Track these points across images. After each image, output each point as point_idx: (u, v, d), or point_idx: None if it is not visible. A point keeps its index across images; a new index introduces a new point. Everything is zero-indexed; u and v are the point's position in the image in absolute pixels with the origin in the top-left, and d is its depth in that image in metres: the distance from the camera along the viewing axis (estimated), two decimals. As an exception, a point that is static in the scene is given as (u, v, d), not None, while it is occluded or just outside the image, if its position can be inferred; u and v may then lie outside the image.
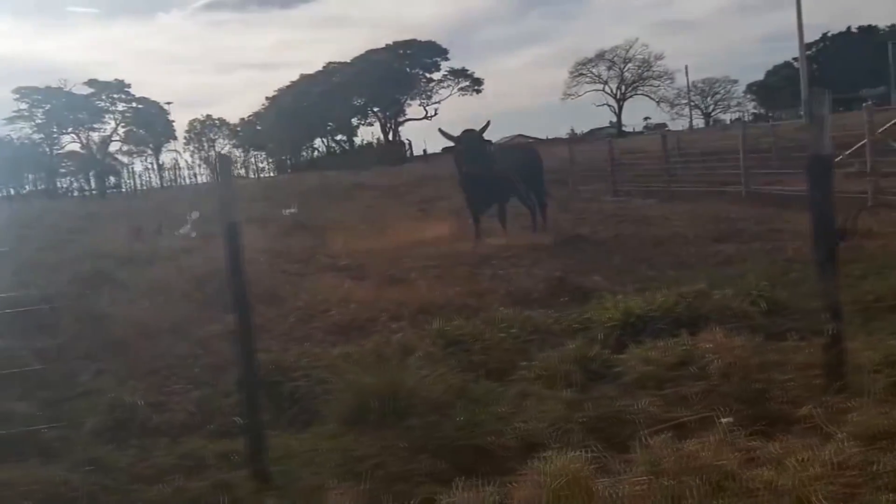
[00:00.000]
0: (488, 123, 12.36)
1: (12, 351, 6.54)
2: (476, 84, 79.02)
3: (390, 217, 16.73)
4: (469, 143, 12.22)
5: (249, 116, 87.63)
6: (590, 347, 5.45)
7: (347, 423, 4.81)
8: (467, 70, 78.94)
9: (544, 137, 76.42)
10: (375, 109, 79.41)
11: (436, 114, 78.66)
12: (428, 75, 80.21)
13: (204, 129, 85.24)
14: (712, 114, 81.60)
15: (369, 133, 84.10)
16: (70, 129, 72.40)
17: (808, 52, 75.86)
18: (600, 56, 78.47)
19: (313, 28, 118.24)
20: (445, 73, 78.77)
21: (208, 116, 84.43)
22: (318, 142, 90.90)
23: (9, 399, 5.81)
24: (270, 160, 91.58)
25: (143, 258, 11.53)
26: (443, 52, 79.92)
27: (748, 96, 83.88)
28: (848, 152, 13.46)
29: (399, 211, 20.39)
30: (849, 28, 73.98)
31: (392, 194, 27.02)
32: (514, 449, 4.19)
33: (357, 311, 7.31)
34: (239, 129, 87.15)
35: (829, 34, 76.13)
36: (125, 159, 79.47)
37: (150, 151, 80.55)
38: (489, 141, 12.58)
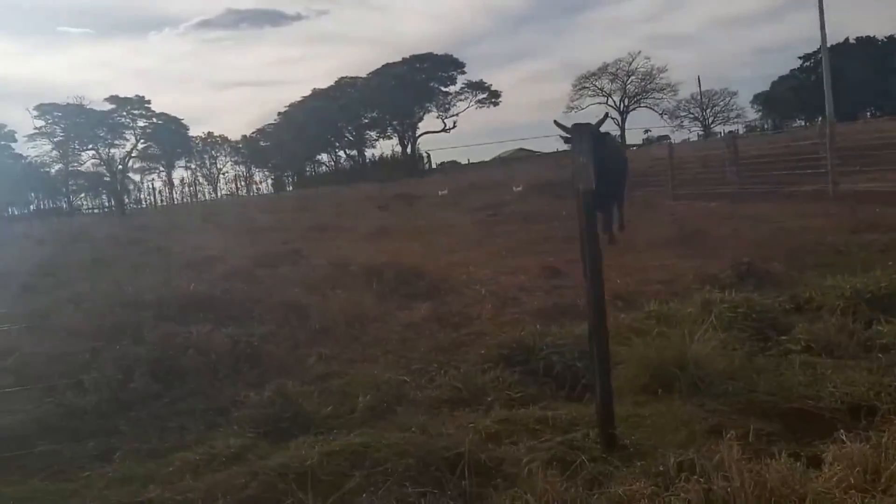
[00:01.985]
0: (606, 115, 12.43)
1: (236, 336, 6.64)
2: (493, 97, 79.47)
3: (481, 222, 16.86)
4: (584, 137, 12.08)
5: (253, 133, 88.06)
6: (842, 321, 5.55)
7: (641, 392, 4.92)
8: (485, 83, 79.35)
9: (544, 151, 77.73)
10: (394, 123, 79.70)
11: (454, 126, 78.97)
12: (444, 88, 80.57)
13: (205, 147, 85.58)
14: (711, 125, 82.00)
15: (387, 146, 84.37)
16: (90, 146, 72.65)
17: (807, 64, 77.34)
18: (603, 69, 79.17)
19: (306, 45, 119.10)
20: (463, 85, 79.13)
21: (209, 134, 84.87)
22: (326, 156, 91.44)
23: (251, 384, 5.96)
24: (275, 176, 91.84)
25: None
26: (459, 66, 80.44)
27: (755, 107, 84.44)
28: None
29: (467, 216, 20.56)
30: (846, 39, 74.33)
31: (447, 203, 27.18)
32: (841, 412, 4.30)
33: (556, 295, 7.43)
34: (241, 145, 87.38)
35: (828, 45, 76.48)
36: (135, 176, 79.95)
37: (161, 168, 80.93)
38: (607, 134, 12.42)
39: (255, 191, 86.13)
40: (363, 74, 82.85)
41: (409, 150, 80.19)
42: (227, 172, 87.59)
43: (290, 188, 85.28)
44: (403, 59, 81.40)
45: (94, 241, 23.56)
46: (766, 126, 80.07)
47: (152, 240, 21.49)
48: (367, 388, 5.50)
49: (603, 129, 12.22)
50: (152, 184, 79.27)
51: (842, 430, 3.74)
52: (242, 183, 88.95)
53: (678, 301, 6.56)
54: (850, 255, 8.68)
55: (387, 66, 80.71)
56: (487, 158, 76.19)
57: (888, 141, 19.46)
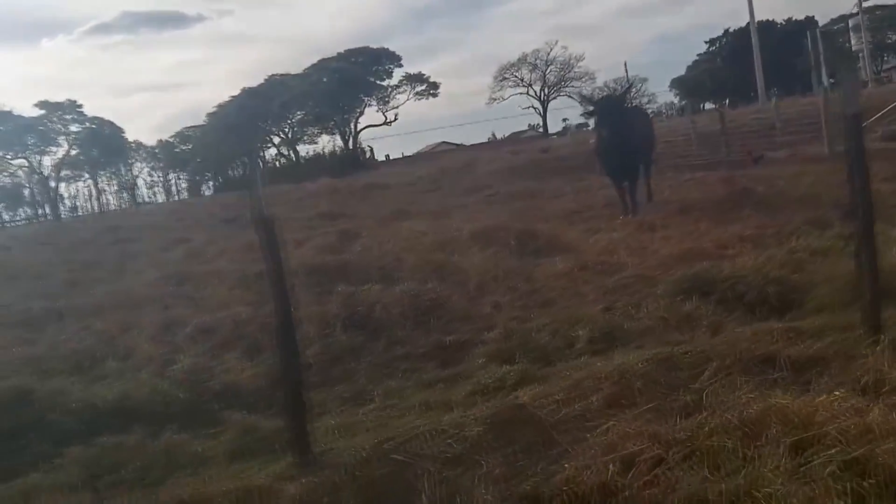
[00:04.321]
0: (630, 86, 12.92)
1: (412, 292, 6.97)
2: (433, 88, 79.78)
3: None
4: (608, 109, 12.13)
5: (171, 137, 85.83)
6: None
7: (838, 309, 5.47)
8: (424, 74, 79.60)
9: (467, 144, 79.07)
10: (334, 118, 79.16)
11: (395, 119, 78.99)
12: (381, 82, 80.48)
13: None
14: None
15: (327, 142, 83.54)
16: (19, 154, 69.66)
17: (712, 49, 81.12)
18: (522, 60, 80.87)
19: (211, 47, 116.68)
20: (401, 78, 79.19)
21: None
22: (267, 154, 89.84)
23: (442, 331, 6.33)
24: (195, 179, 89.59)
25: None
26: (396, 59, 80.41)
27: (673, 91, 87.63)
28: None
29: (467, 198, 21.02)
30: (748, 24, 77.90)
31: (428, 189, 27.48)
32: None
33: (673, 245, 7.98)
34: (157, 150, 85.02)
35: (731, 30, 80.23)
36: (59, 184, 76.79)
37: (86, 174, 78.19)
38: (631, 104, 12.76)
39: (177, 195, 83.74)
40: (292, 71, 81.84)
41: (350, 144, 79.75)
42: (141, 178, 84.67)
43: (211, 192, 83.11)
44: (339, 53, 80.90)
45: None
46: (685, 109, 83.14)
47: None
48: (574, 325, 5.94)
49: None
50: (85, 191, 76.45)
51: None
52: (160, 188, 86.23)
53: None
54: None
55: (322, 61, 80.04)
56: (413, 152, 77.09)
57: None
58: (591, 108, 12.55)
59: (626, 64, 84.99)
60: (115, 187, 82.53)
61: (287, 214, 22.51)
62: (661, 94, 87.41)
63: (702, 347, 4.57)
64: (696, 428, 3.47)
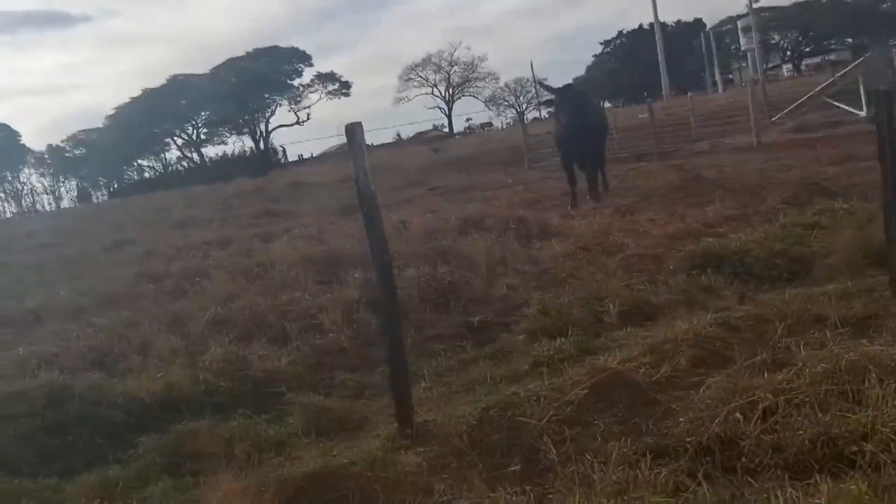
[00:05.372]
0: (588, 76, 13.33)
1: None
2: (345, 87, 79.23)
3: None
4: (567, 97, 12.55)
5: (62, 142, 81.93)
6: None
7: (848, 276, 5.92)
8: (335, 74, 78.97)
9: (370, 143, 78.96)
10: (244, 118, 77.46)
11: (308, 118, 78.02)
12: (292, 81, 79.38)
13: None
14: (525, 111, 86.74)
15: (237, 143, 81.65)
16: None
17: (608, 50, 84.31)
18: (427, 60, 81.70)
19: (97, 48, 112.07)
20: (313, 77, 78.30)
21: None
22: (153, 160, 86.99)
23: (463, 312, 6.47)
24: (88, 185, 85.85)
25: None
26: (307, 58, 79.47)
27: None
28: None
29: (418, 190, 21.12)
30: (640, 25, 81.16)
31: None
32: None
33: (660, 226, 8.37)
34: (46, 155, 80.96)
35: (625, 31, 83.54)
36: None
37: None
38: (587, 95, 13.13)
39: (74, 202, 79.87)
40: (198, 71, 79.68)
41: (262, 145, 78.25)
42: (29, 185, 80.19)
43: (104, 197, 79.74)
44: (247, 52, 79.39)
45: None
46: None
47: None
48: (601, 301, 6.17)
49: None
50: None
51: None
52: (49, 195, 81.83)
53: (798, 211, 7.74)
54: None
55: (230, 60, 78.28)
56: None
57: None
58: (553, 96, 12.88)
59: (532, 63, 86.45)
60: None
61: (221, 214, 22.09)
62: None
63: (756, 312, 4.86)
64: (793, 378, 3.73)
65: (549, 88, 13.31)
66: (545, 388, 4.13)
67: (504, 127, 77.06)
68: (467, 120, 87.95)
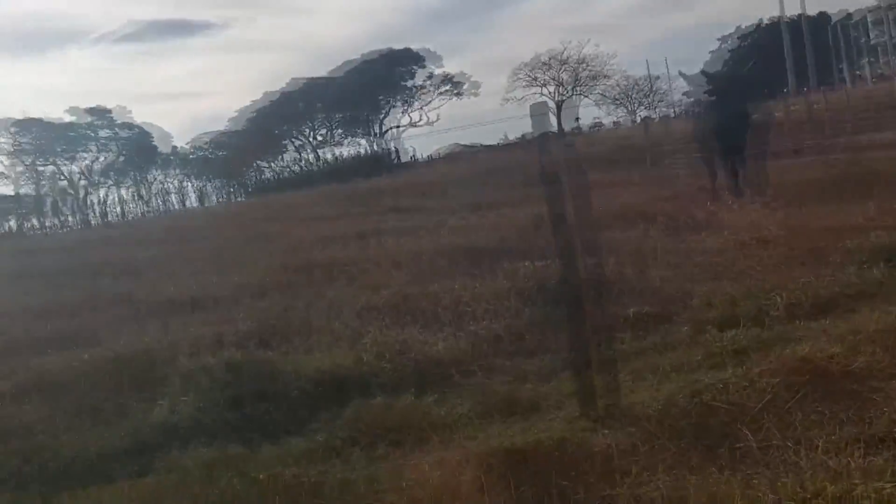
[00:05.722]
0: (753, 64, 12.68)
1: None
2: (457, 87, 79.75)
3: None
4: (726, 88, 12.20)
5: (188, 144, 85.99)
6: None
7: None
8: (449, 74, 79.64)
9: (480, 145, 79.23)
10: (360, 120, 79.44)
11: (422, 119, 79.05)
12: (406, 83, 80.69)
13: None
14: (638, 110, 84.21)
15: (352, 146, 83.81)
16: (51, 160, 70.34)
17: (725, 46, 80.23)
18: (537, 59, 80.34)
19: (217, 55, 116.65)
20: (426, 78, 79.31)
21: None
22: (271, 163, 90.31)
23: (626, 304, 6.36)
24: (214, 185, 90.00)
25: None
26: (420, 59, 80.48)
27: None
28: None
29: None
30: (761, 21, 77.13)
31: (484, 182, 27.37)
32: None
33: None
34: (172, 157, 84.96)
35: (743, 27, 79.47)
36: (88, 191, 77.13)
37: (111, 180, 78.72)
38: (738, 88, 12.60)
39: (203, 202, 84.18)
40: (316, 75, 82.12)
41: (377, 146, 79.96)
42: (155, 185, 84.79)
43: (224, 198, 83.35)
44: (363, 55, 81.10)
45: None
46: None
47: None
48: (767, 293, 5.95)
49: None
50: (113, 198, 76.86)
51: None
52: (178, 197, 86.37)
53: None
54: None
55: (347, 63, 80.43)
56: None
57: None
58: (713, 84, 12.39)
59: (647, 62, 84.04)
60: (132, 195, 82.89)
61: (348, 211, 22.73)
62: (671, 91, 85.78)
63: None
64: None
65: (708, 76, 12.60)
66: (731, 376, 4.02)
67: (615, 126, 75.69)
68: (577, 119, 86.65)
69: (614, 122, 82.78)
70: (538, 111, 3.57)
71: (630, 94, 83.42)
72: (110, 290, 10.69)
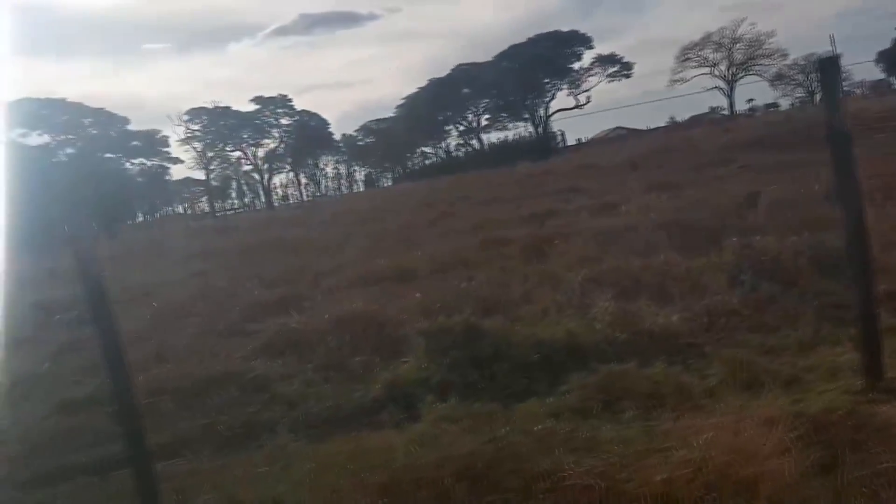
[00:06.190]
0: None
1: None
2: (625, 69, 77.83)
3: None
4: None
5: (356, 131, 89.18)
6: None
7: None
8: (616, 55, 77.82)
9: (644, 128, 76.34)
10: (525, 103, 79.32)
11: (588, 101, 77.79)
12: (571, 65, 79.56)
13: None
14: (816, 90, 77.59)
15: (517, 129, 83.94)
16: (237, 147, 75.78)
17: None
18: (707, 39, 75.87)
19: (380, 45, 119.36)
20: (593, 59, 77.85)
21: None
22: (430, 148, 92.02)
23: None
24: (376, 171, 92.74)
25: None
26: (587, 41, 79.15)
27: (880, 65, 79.30)
28: None
29: (718, 171, 20.15)
30: None
31: (658, 165, 26.61)
32: None
33: None
34: (341, 144, 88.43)
35: None
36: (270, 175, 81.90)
37: (288, 165, 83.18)
38: None
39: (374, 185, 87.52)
40: (479, 60, 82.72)
41: (541, 129, 79.62)
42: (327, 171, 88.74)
43: (389, 182, 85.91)
44: (528, 38, 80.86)
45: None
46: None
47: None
48: None
49: None
50: (290, 181, 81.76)
51: None
52: (345, 181, 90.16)
53: None
54: None
55: (512, 47, 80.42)
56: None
57: None
58: None
59: (832, 36, 77.80)
60: (309, 178, 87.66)
61: (522, 193, 22.80)
62: (856, 69, 78.88)
63: None
64: None
65: None
66: None
67: (791, 106, 71.06)
68: (749, 101, 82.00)
69: (791, 104, 78.03)
70: (827, 69, 3.17)
71: (809, 73, 77.96)
72: (321, 262, 11.33)
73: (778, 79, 79.64)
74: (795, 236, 7.02)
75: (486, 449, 3.72)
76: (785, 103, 79.09)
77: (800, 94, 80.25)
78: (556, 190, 20.47)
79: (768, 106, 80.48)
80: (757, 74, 78.40)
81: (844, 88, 68.88)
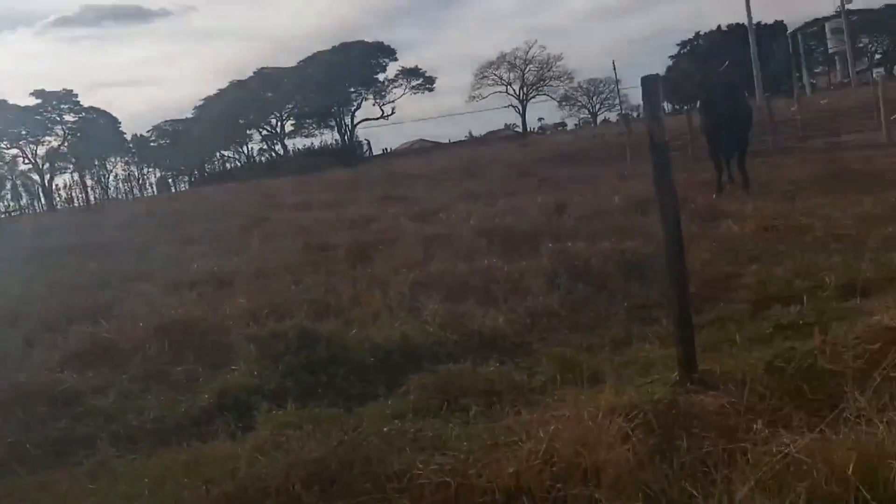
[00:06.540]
0: (727, 63, 13.07)
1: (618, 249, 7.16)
2: (429, 82, 79.97)
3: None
4: (722, 84, 12.80)
5: (148, 132, 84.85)
6: None
7: None
8: (420, 69, 79.75)
9: (447, 141, 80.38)
10: (331, 111, 79.00)
11: (392, 112, 79.02)
12: (376, 76, 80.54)
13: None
14: (598, 112, 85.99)
15: (321, 136, 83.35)
16: (13, 144, 68.68)
17: (684, 52, 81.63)
18: (502, 59, 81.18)
19: (175, 43, 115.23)
20: (398, 72, 79.27)
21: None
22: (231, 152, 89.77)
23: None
24: (168, 174, 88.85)
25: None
26: (391, 52, 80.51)
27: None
28: None
29: (522, 183, 21.22)
30: (719, 27, 78.82)
31: (465, 177, 27.53)
32: None
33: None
34: (132, 145, 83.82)
35: (702, 33, 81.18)
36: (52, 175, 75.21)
37: (72, 165, 77.12)
38: (733, 83, 13.11)
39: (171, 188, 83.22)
40: (285, 65, 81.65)
41: (346, 138, 79.69)
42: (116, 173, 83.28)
43: (184, 187, 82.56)
44: (333, 47, 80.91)
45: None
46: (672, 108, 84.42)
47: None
48: (814, 274, 6.19)
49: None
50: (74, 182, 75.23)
51: None
52: (136, 183, 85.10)
53: None
54: None
55: (317, 53, 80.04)
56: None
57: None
58: (700, 82, 12.98)
59: (614, 63, 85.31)
60: (95, 180, 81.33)
61: (338, 199, 22.67)
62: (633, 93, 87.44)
63: None
64: None
65: (696, 75, 13.26)
66: (825, 343, 4.19)
67: (575, 128, 77.08)
68: (540, 119, 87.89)
69: (575, 124, 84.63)
70: (647, 85, 3.55)
71: (592, 95, 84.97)
72: (125, 268, 10.58)
73: (565, 100, 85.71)
74: (605, 242, 7.56)
75: (335, 453, 3.66)
76: (571, 123, 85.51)
77: (583, 115, 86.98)
78: (371, 197, 20.51)
79: (557, 125, 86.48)
80: (547, 95, 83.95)
81: (622, 111, 75.61)
